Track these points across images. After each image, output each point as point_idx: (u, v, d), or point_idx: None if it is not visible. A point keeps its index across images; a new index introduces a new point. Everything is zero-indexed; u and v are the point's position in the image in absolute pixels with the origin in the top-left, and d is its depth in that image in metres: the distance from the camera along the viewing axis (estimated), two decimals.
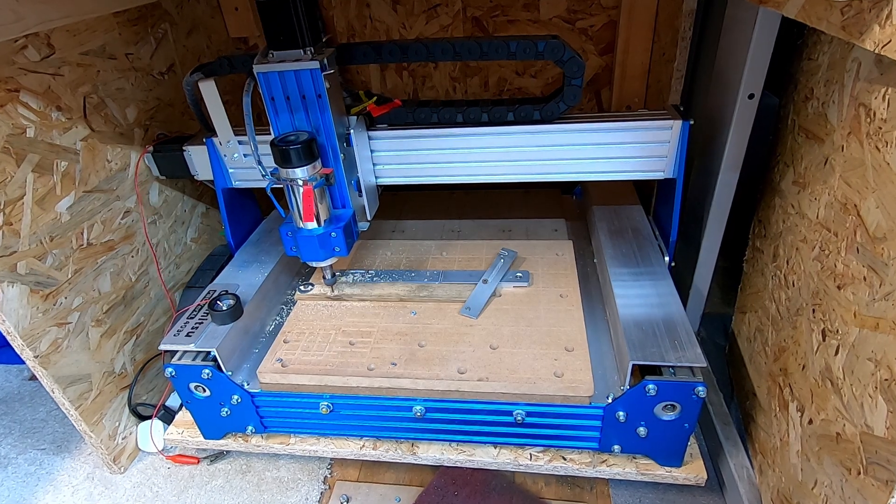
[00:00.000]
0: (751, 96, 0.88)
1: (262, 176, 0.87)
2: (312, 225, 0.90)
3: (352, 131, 0.92)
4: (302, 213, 0.88)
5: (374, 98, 0.96)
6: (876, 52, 0.52)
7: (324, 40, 0.86)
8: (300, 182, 0.85)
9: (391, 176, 1.04)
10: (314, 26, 0.83)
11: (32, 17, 0.80)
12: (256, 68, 0.82)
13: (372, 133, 0.99)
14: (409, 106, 0.98)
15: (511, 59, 0.90)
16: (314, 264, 0.95)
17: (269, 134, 1.06)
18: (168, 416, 1.08)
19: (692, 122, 0.93)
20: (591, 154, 0.98)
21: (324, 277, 1.03)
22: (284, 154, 0.83)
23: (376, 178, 1.04)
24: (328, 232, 0.90)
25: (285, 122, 0.87)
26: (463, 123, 0.97)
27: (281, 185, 0.87)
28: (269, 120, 0.88)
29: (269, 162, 0.87)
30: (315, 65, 0.81)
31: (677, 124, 0.93)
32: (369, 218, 1.01)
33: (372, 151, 1.01)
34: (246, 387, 0.91)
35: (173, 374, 0.89)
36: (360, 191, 0.98)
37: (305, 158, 0.84)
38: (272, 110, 0.86)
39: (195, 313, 0.95)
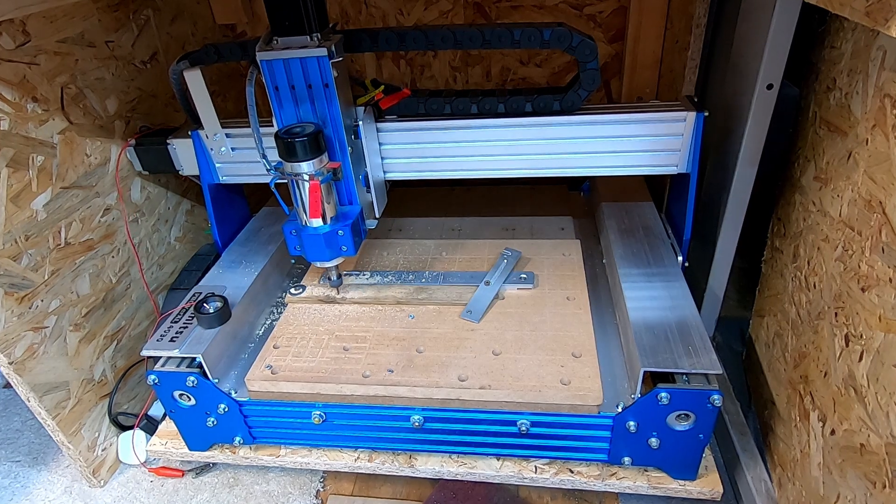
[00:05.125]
0: (769, 87, 0.88)
1: (267, 170, 0.87)
2: (318, 223, 0.89)
3: (360, 123, 0.92)
4: (308, 210, 0.87)
5: (382, 87, 0.96)
6: None
7: (331, 26, 0.86)
8: (306, 177, 0.84)
9: (401, 170, 1.04)
10: (321, 11, 0.82)
11: (7, 3, 0.80)
12: (260, 55, 0.82)
13: (381, 125, 1.00)
14: (420, 96, 0.98)
15: (515, 47, 0.90)
16: (319, 265, 0.95)
17: (261, 126, 1.06)
18: (151, 427, 1.08)
19: (707, 114, 0.93)
20: (600, 147, 0.98)
21: (329, 279, 1.02)
22: (289, 147, 0.82)
23: (385, 172, 1.04)
24: (335, 230, 0.90)
25: (290, 113, 0.87)
26: (478, 115, 0.97)
27: (285, 181, 0.87)
28: (272, 111, 0.87)
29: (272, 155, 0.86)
30: (322, 52, 0.81)
31: (691, 116, 0.94)
32: (378, 215, 1.01)
33: (381, 144, 1.01)
34: (233, 395, 0.91)
35: (156, 381, 0.89)
36: (368, 186, 0.98)
37: (312, 152, 0.83)
38: (276, 101, 0.86)
39: (180, 317, 0.95)
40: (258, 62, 0.83)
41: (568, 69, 1.35)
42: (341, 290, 1.04)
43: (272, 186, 0.88)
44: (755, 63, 0.88)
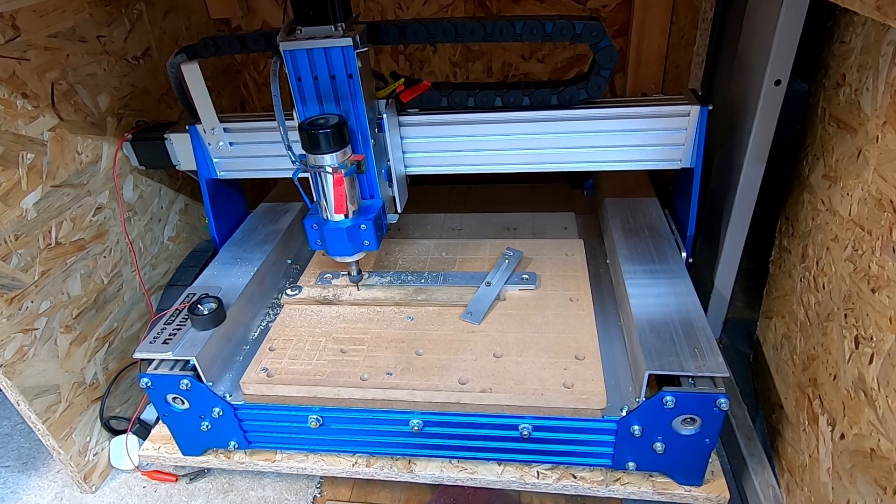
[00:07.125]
0: (777, 82, 0.88)
1: (292, 162, 0.87)
2: (340, 217, 0.90)
3: (384, 116, 0.92)
4: (331, 203, 0.87)
5: (402, 79, 0.96)
6: None
7: (354, 16, 0.86)
8: (329, 169, 0.84)
9: (423, 164, 1.05)
10: (346, 0, 0.82)
11: None
12: (283, 46, 0.82)
13: (403, 118, 1.00)
14: (442, 88, 0.98)
15: (517, 40, 0.90)
16: (339, 259, 0.95)
17: (259, 120, 1.06)
18: (143, 431, 1.08)
19: (711, 108, 0.93)
20: (606, 142, 0.98)
21: (349, 275, 1.02)
22: (313, 138, 0.82)
23: (407, 166, 1.05)
24: (357, 224, 0.90)
25: (312, 104, 0.87)
26: (502, 108, 0.97)
27: (307, 174, 0.87)
28: (294, 102, 0.88)
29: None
30: (347, 42, 0.81)
31: (695, 109, 0.94)
32: (399, 210, 1.02)
33: (403, 138, 1.02)
34: (228, 398, 0.91)
35: (149, 384, 0.89)
36: (390, 181, 0.98)
37: (336, 144, 0.83)
38: (298, 92, 0.86)
39: (173, 318, 0.95)
40: (281, 52, 0.83)
41: (571, 64, 1.35)
42: (338, 292, 1.04)
43: (295, 180, 0.88)
44: (763, 58, 0.88)
